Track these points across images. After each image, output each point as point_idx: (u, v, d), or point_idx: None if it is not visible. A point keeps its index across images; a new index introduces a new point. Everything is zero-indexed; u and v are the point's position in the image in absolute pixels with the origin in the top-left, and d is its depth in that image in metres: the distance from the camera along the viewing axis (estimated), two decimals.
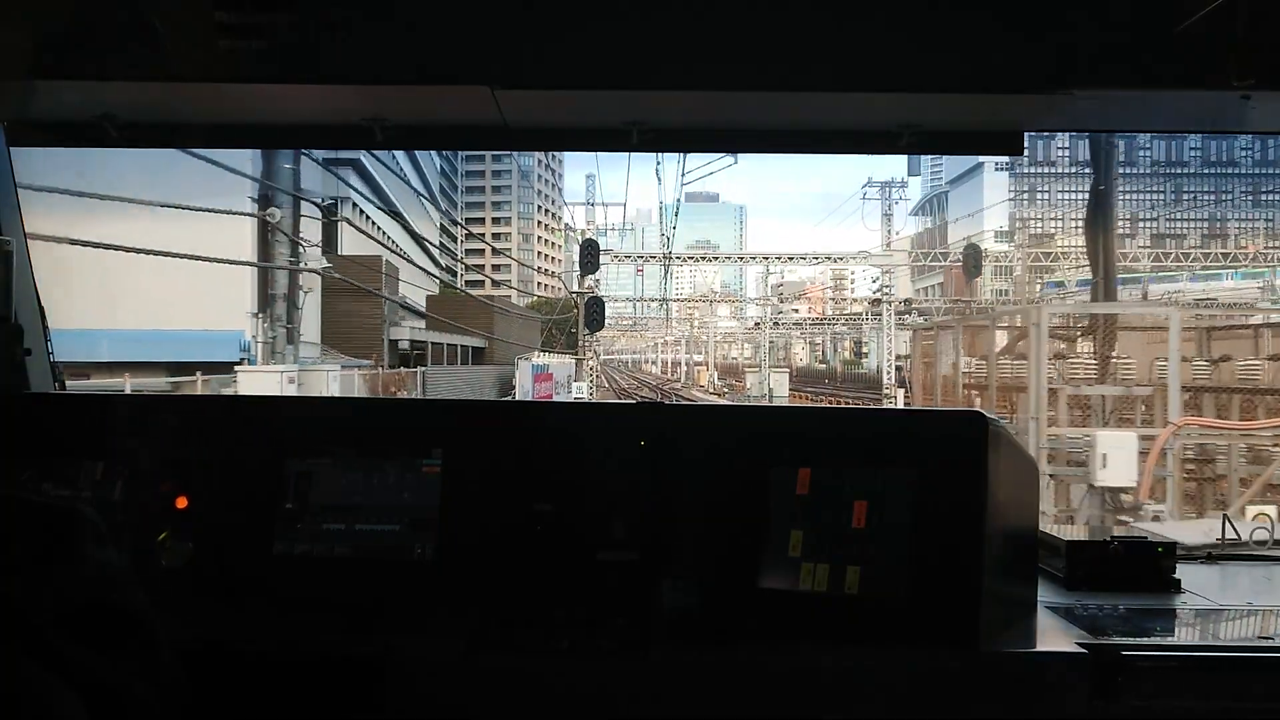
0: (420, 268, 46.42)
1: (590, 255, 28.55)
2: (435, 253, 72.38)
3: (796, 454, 2.02)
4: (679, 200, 35.28)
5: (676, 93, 2.01)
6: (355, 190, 42.80)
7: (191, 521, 2.05)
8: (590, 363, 39.28)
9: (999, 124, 2.18)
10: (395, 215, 53.15)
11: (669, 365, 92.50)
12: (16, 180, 2.37)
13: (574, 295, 33.30)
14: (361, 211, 47.13)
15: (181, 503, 2.07)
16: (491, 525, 2.03)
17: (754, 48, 1.93)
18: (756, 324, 51.49)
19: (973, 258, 34.85)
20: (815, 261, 45.91)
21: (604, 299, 32.49)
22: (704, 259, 50.69)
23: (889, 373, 41.15)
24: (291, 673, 1.84)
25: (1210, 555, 2.53)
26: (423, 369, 35.88)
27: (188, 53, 1.93)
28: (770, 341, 49.54)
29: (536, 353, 41.08)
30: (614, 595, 1.96)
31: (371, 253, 38.88)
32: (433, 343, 46.40)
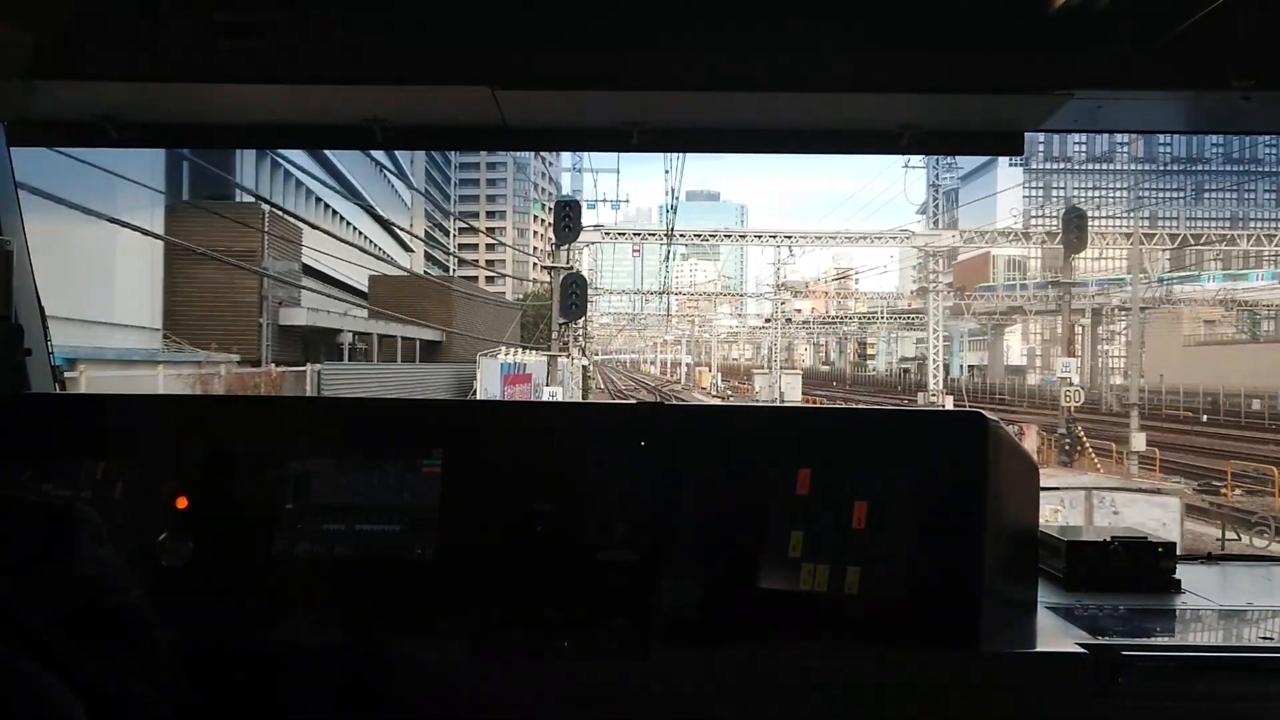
0: (352, 245, 39.34)
1: (568, 219, 22.41)
2: (408, 239, 65.71)
3: (796, 454, 2.08)
4: (676, 199, 31.90)
5: (676, 93, 2.07)
6: None
7: (191, 521, 2.11)
8: (577, 361, 32.29)
9: (999, 124, 2.24)
10: (340, 181, 45.33)
11: (668, 366, 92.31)
12: (17, 180, 2.43)
13: (548, 271, 26.44)
14: (275, 163, 39.90)
15: (181, 503, 2.12)
16: (491, 525, 2.09)
17: (754, 48, 2.00)
18: (767, 320, 47.99)
19: (1075, 224, 26.12)
20: (851, 241, 39.39)
21: (586, 279, 26.42)
22: (712, 237, 42.46)
23: (935, 376, 36.86)
24: (291, 673, 1.90)
25: (1210, 555, 2.61)
26: (317, 366, 27.36)
27: (188, 53, 1.99)
28: (772, 342, 47.73)
29: (508, 349, 34.11)
30: (614, 595, 2.01)
31: (325, 230, 32.48)
32: (356, 333, 37.91)
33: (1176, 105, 2.15)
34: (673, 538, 2.07)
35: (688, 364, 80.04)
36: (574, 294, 23.09)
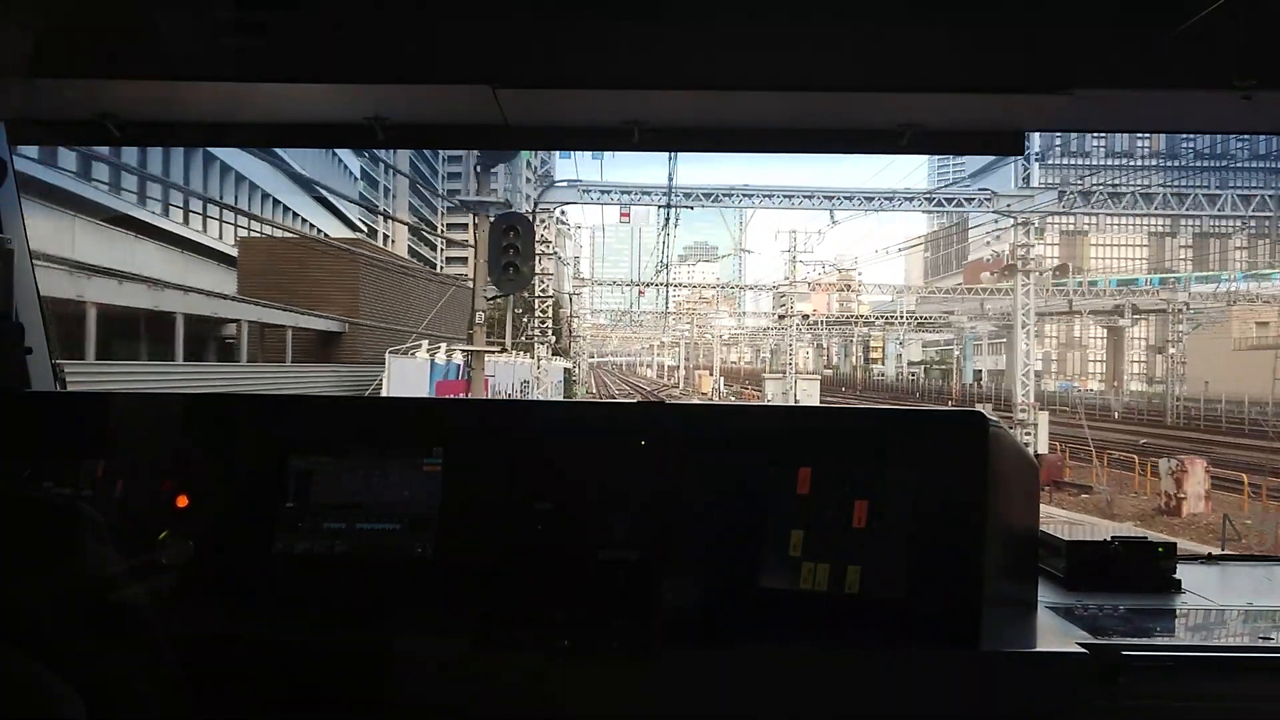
0: (216, 203, 33.46)
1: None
2: (351, 212, 60.33)
3: (797, 453, 2.18)
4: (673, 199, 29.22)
5: (676, 92, 2.17)
6: None
7: (192, 520, 2.19)
8: (553, 364, 25.19)
9: (999, 124, 2.34)
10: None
11: (665, 369, 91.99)
12: (17, 179, 2.52)
13: (471, 212, 18.11)
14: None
15: (182, 501, 2.21)
16: (492, 524, 2.18)
17: (755, 47, 2.09)
18: (781, 317, 43.90)
19: None
20: (910, 201, 30.58)
21: (531, 221, 18.60)
22: (728, 196, 31.87)
23: (1025, 383, 28.22)
24: (292, 672, 1.98)
25: (1210, 555, 2.70)
26: None
27: (188, 51, 2.07)
28: (774, 345, 45.88)
29: (441, 345, 24.65)
30: (615, 594, 2.10)
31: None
32: (160, 312, 23.22)
33: (1176, 105, 2.24)
34: (673, 537, 2.16)
35: (684, 366, 79.39)
36: (511, 249, 11.58)
